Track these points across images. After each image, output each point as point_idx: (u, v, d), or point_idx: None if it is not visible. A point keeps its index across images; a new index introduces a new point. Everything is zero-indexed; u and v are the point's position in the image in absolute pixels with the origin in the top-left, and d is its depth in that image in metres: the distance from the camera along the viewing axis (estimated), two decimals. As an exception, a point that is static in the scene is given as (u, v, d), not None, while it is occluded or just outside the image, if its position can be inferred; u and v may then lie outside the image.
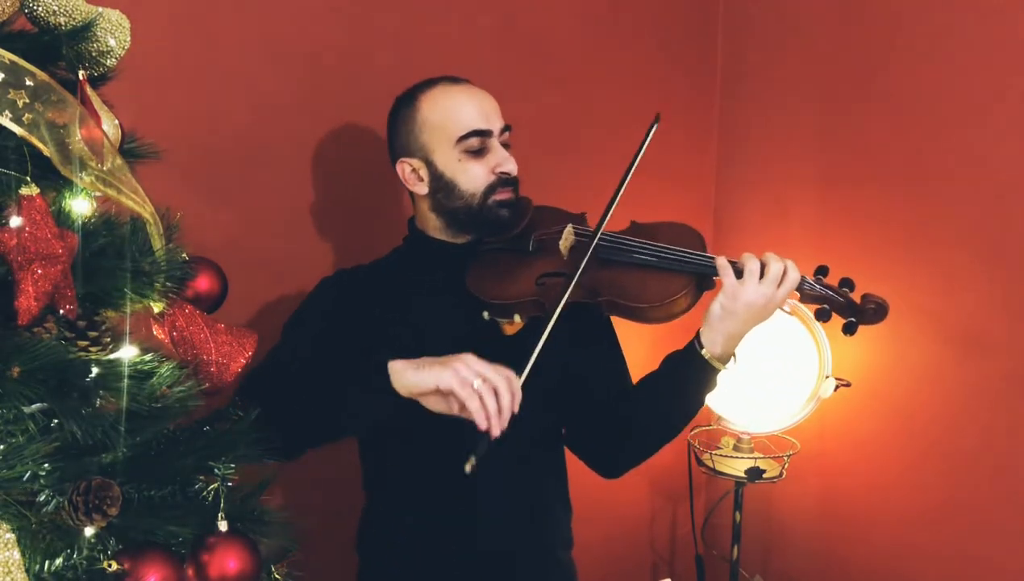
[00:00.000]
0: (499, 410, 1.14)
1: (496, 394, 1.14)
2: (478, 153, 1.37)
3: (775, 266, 1.27)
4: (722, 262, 1.29)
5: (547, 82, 2.07)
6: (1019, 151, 1.72)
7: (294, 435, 1.27)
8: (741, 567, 2.12)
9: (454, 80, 1.42)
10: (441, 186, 1.39)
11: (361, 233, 1.90)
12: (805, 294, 1.33)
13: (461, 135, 1.36)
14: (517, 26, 2.05)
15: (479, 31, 1.99)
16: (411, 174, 1.41)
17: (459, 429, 1.17)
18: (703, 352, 1.31)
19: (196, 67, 1.68)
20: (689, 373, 1.34)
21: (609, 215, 1.36)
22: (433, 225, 1.44)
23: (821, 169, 2.12)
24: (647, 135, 1.38)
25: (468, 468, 1.13)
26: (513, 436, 1.17)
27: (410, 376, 1.17)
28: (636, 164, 1.37)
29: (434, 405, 1.18)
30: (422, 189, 1.41)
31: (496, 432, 1.14)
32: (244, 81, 1.73)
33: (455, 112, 1.37)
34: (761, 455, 2.05)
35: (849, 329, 1.32)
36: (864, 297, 1.32)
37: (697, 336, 1.33)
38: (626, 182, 1.37)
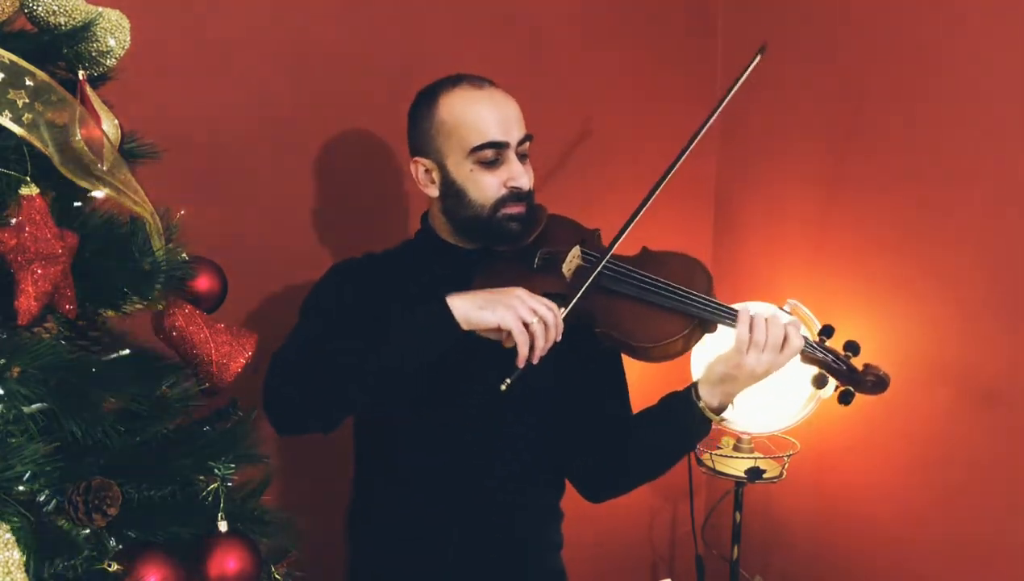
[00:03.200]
0: (544, 346, 1.21)
1: (546, 329, 1.21)
2: (491, 164, 1.33)
3: (776, 333, 1.27)
4: (742, 328, 1.27)
5: (544, 82, 2.07)
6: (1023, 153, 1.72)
7: (333, 399, 1.25)
8: (741, 567, 2.12)
9: (478, 83, 1.37)
10: (451, 193, 1.36)
11: (361, 232, 1.90)
12: (805, 355, 1.32)
13: (475, 146, 1.32)
14: (516, 26, 2.05)
15: (478, 31, 1.99)
16: (424, 175, 1.39)
17: (463, 423, 1.25)
18: (700, 405, 1.33)
19: (196, 67, 1.68)
20: (685, 421, 1.36)
21: (616, 244, 1.32)
22: (444, 229, 1.43)
23: (821, 169, 2.12)
24: (746, 69, 1.34)
25: (504, 387, 1.20)
26: (516, 441, 1.26)
27: (474, 314, 1.21)
28: (663, 184, 1.36)
29: (489, 334, 1.24)
30: (433, 191, 1.39)
31: (536, 361, 1.21)
32: (243, 81, 1.73)
33: (472, 120, 1.32)
34: (761, 455, 2.05)
35: (845, 398, 1.32)
36: (866, 367, 1.31)
37: (695, 387, 1.33)
38: (646, 206, 1.34)
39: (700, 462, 2.09)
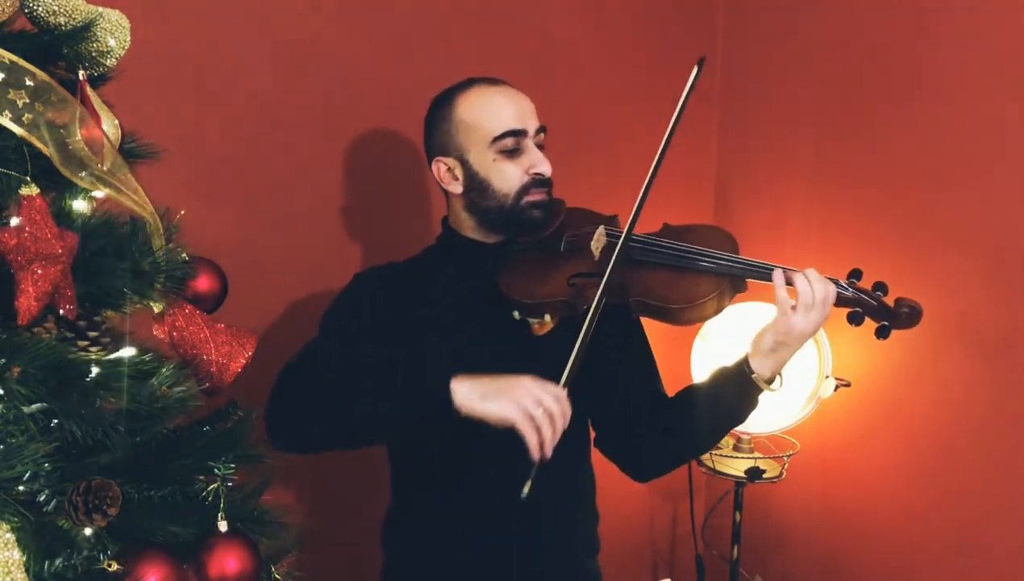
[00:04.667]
0: (553, 436, 1.18)
1: (552, 420, 1.18)
2: (512, 153, 1.38)
3: (820, 287, 1.25)
4: (778, 279, 1.27)
5: (545, 83, 2.07)
6: (1020, 152, 1.72)
7: (325, 435, 1.29)
8: (741, 567, 2.12)
9: (492, 81, 1.42)
10: (475, 185, 1.39)
11: (361, 232, 1.90)
12: (839, 298, 1.29)
13: (496, 135, 1.37)
14: (517, 27, 2.05)
15: (481, 31, 2.00)
16: (446, 173, 1.42)
17: (496, 435, 1.19)
18: (754, 378, 1.31)
19: (196, 67, 1.68)
20: (738, 395, 1.34)
21: (639, 213, 1.34)
22: (467, 225, 1.45)
23: (821, 169, 2.12)
24: (690, 85, 1.33)
25: (525, 492, 1.16)
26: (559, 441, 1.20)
27: (476, 404, 1.20)
28: (667, 148, 1.34)
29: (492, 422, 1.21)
30: (457, 188, 1.41)
31: (548, 455, 1.18)
32: (244, 81, 1.73)
33: (491, 112, 1.38)
34: (761, 455, 2.05)
35: (882, 333, 1.30)
36: (898, 301, 1.30)
37: (746, 361, 1.32)
38: (655, 176, 1.35)
39: (700, 462, 2.09)
